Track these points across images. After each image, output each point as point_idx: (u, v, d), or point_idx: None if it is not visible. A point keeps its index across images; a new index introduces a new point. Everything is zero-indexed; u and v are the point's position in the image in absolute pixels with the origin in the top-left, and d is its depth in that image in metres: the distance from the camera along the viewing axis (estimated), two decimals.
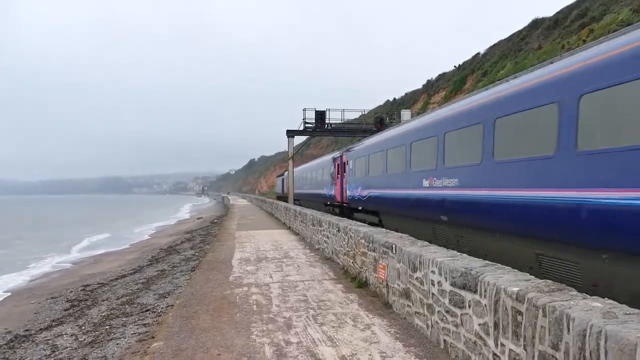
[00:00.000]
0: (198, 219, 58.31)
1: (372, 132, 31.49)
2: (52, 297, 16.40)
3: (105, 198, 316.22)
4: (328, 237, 14.53)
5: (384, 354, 6.01)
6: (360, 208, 22.30)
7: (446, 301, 5.99)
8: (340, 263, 12.64)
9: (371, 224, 17.41)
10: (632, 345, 3.00)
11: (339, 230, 12.93)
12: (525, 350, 4.21)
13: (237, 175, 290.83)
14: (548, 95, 8.47)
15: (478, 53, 61.91)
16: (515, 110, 9.44)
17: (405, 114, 38.36)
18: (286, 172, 70.18)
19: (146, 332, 8.70)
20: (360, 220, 18.70)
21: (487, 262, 6.03)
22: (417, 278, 7.04)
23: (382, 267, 8.81)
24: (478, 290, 5.17)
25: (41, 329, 11.79)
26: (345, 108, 37.91)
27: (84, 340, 9.64)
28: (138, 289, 14.67)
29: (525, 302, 4.22)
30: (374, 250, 9.42)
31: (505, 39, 55.89)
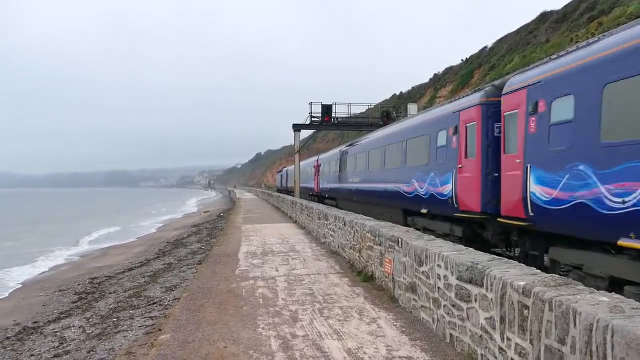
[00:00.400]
0: (204, 212, 58.46)
1: (378, 126, 31.42)
2: (60, 290, 16.51)
3: (111, 191, 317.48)
4: (334, 231, 14.54)
5: (390, 348, 6.02)
6: (326, 196, 34.50)
7: (452, 295, 5.99)
8: (346, 257, 12.66)
9: (331, 205, 27.65)
10: (639, 340, 2.99)
11: (344, 224, 12.94)
12: (532, 345, 4.21)
13: (244, 168, 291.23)
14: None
15: (485, 46, 61.58)
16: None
17: (412, 107, 38.23)
18: (284, 169, 77.54)
19: (153, 324, 8.75)
20: (329, 204, 30.04)
21: (493, 256, 6.02)
22: (423, 272, 7.04)
23: (388, 261, 8.82)
24: (484, 284, 5.17)
25: (49, 321, 11.88)
26: (351, 102, 37.87)
27: (92, 332, 9.71)
28: (145, 281, 14.75)
29: (532, 296, 4.21)
30: (380, 244, 9.42)
31: (513, 32, 55.54)
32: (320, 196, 36.81)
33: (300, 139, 38.47)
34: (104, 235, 39.89)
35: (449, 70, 68.91)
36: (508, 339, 4.65)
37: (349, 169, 26.91)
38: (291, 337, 6.50)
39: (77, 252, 29.43)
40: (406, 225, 15.40)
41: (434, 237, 8.39)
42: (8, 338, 10.88)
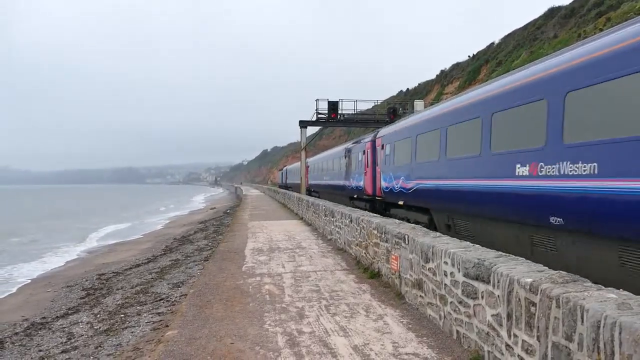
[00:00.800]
0: (211, 209, 58.66)
1: (385, 123, 31.36)
2: (68, 286, 16.62)
3: (118, 188, 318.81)
4: (340, 228, 14.54)
5: (396, 344, 6.02)
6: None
7: (459, 292, 5.98)
8: (353, 254, 12.66)
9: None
10: None
11: (351, 221, 12.94)
12: (539, 341, 4.20)
13: (250, 165, 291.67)
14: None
15: (493, 42, 61.34)
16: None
17: (419, 104, 38.16)
18: (285, 168, 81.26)
19: (160, 320, 8.80)
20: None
21: (500, 253, 6.01)
22: (429, 269, 7.03)
23: (394, 257, 8.81)
24: (491, 281, 5.16)
25: (57, 317, 11.97)
26: (358, 98, 37.77)
27: (100, 328, 9.77)
28: (152, 278, 14.82)
29: (539, 293, 4.20)
30: (386, 241, 9.41)
31: (520, 28, 55.29)
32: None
33: (307, 135, 38.45)
34: (111, 231, 40.10)
35: (456, 66, 68.71)
36: (515, 335, 4.64)
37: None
38: (298, 334, 6.51)
39: (84, 249, 29.60)
40: (352, 205, 23.94)
41: (440, 234, 8.37)
42: (17, 333, 10.97)
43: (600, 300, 3.62)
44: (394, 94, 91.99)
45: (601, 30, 29.86)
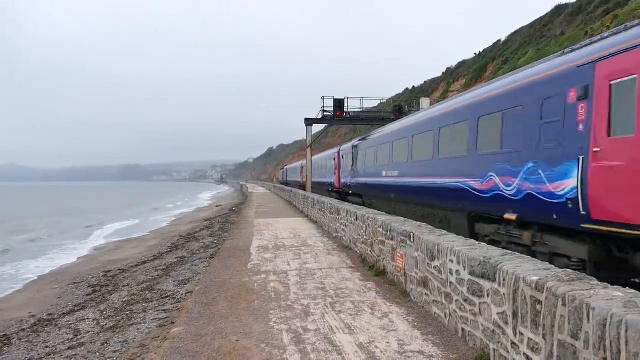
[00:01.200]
0: (217, 206, 58.73)
1: (390, 121, 31.31)
2: (74, 283, 16.70)
3: (124, 185, 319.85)
4: (346, 226, 14.54)
5: (402, 342, 6.02)
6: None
7: (464, 290, 5.98)
8: (358, 251, 12.65)
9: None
10: None
11: (356, 219, 12.93)
12: (545, 340, 4.19)
13: (256, 163, 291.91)
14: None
15: (499, 40, 61.07)
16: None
17: (425, 102, 38.04)
18: (285, 167, 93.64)
19: (166, 317, 8.82)
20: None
21: (506, 251, 5.99)
22: (435, 267, 7.03)
23: (400, 255, 8.81)
24: (497, 279, 5.15)
25: (64, 314, 12.03)
26: (363, 96, 37.67)
27: (106, 325, 9.81)
28: (158, 275, 14.87)
29: (545, 291, 4.19)
30: (392, 239, 9.41)
31: (526, 26, 55.00)
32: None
33: (313, 133, 38.42)
34: (118, 228, 40.23)
35: (462, 64, 68.44)
36: (521, 334, 4.63)
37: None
38: (303, 331, 6.52)
39: (91, 246, 29.72)
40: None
41: (445, 231, 8.35)
42: (23, 330, 11.04)
43: (607, 299, 3.61)
44: (400, 91, 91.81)
45: (608, 27, 29.69)
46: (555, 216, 8.79)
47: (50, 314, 12.24)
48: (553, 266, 4.94)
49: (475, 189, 11.90)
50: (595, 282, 4.17)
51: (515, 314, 4.74)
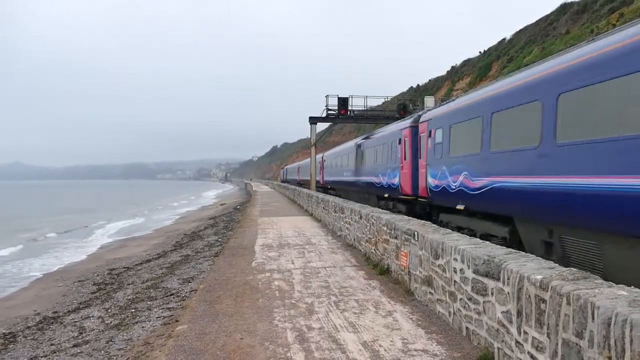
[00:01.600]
0: (221, 205, 58.80)
1: (395, 119, 31.27)
2: (79, 281, 16.75)
3: (129, 184, 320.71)
4: (350, 224, 14.54)
5: (406, 341, 6.02)
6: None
7: (468, 289, 5.97)
8: (362, 250, 12.66)
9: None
10: None
11: (361, 217, 12.93)
12: (549, 338, 4.18)
13: (260, 161, 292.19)
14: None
15: (504, 38, 60.92)
16: None
17: (429, 100, 37.99)
18: (286, 167, 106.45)
19: (171, 315, 8.84)
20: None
21: (510, 249, 5.98)
22: (439, 265, 7.02)
23: (404, 254, 8.80)
24: (501, 278, 5.14)
25: (69, 311, 12.07)
26: (368, 95, 37.65)
27: (111, 322, 9.84)
28: (162, 273, 14.89)
29: (549, 290, 4.18)
30: (396, 238, 9.40)
31: (532, 24, 54.85)
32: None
33: (317, 131, 38.42)
34: (122, 227, 40.34)
35: (467, 62, 68.31)
36: (525, 332, 4.63)
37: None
38: (307, 330, 6.52)
39: (95, 244, 29.82)
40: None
41: (450, 230, 8.35)
42: (29, 327, 11.08)
43: (611, 298, 3.60)
44: (404, 90, 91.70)
45: (614, 25, 29.57)
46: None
47: (55, 312, 12.29)
48: (557, 265, 4.93)
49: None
50: (600, 280, 4.17)
51: (519, 313, 4.74)
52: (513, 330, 4.86)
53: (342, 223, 15.96)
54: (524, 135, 9.97)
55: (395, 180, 20.05)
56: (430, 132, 15.94)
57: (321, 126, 40.05)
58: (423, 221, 9.89)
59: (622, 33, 7.49)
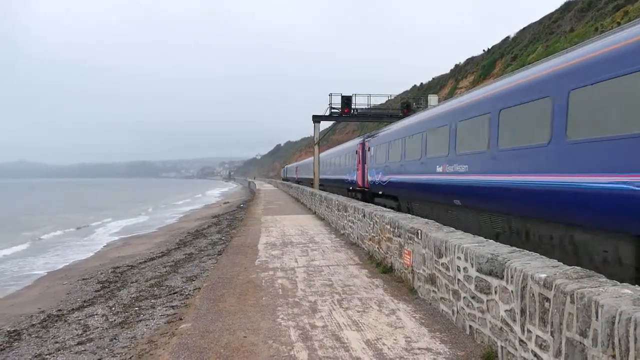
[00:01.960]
0: (224, 203, 58.89)
1: (398, 118, 31.26)
2: (83, 279, 16.80)
3: (133, 182, 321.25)
4: (353, 223, 14.54)
5: (409, 339, 6.01)
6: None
7: (472, 287, 5.96)
8: (366, 248, 12.65)
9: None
10: None
11: (364, 216, 12.93)
12: (553, 337, 4.17)
13: (264, 160, 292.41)
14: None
15: (508, 36, 60.76)
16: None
17: (433, 98, 37.94)
18: (286, 166, 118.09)
19: (174, 314, 8.87)
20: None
21: (514, 248, 5.97)
22: (442, 264, 7.01)
23: (407, 252, 8.80)
24: (505, 277, 5.13)
25: (73, 309, 12.11)
26: (371, 93, 37.62)
27: (114, 320, 9.87)
28: (166, 271, 14.94)
29: (553, 288, 4.17)
30: (399, 236, 9.40)
31: (536, 22, 54.70)
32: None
33: (320, 130, 38.42)
34: (126, 225, 40.45)
35: (470, 60, 68.17)
36: (529, 331, 4.62)
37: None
38: (310, 328, 6.52)
39: (99, 242, 29.91)
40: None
41: (453, 229, 8.34)
42: (33, 325, 11.13)
43: (615, 296, 3.59)
44: (408, 88, 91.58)
45: (619, 23, 29.46)
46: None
47: (59, 310, 12.34)
48: (561, 263, 4.92)
49: None
50: (603, 279, 4.15)
51: (523, 312, 4.73)
52: (517, 328, 4.86)
53: (345, 221, 15.96)
54: (394, 153, 20.65)
55: (355, 177, 29.23)
56: (369, 148, 25.65)
57: (325, 124, 40.03)
58: (426, 219, 9.88)
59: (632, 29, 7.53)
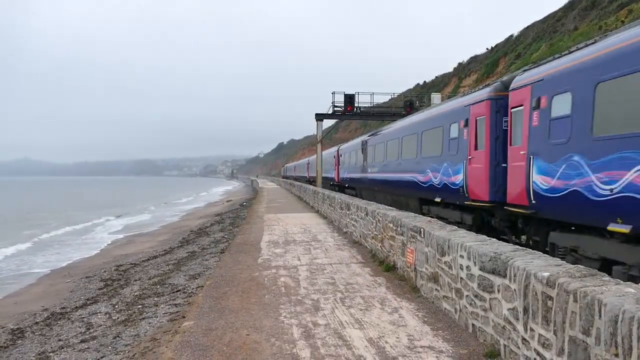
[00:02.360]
0: (227, 201, 58.91)
1: (401, 116, 31.23)
2: (86, 277, 16.83)
3: (136, 180, 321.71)
4: (356, 221, 14.54)
5: (412, 337, 6.02)
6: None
7: (475, 285, 5.96)
8: (368, 247, 12.65)
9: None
10: None
11: (367, 214, 12.92)
12: (555, 336, 4.17)
13: (266, 158, 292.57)
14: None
15: (511, 35, 60.59)
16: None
17: (436, 97, 37.91)
18: (285, 166, 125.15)
19: (177, 311, 8.88)
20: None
21: (516, 246, 5.96)
22: (445, 262, 7.01)
23: (410, 251, 8.79)
24: (507, 275, 5.13)
25: (76, 307, 12.14)
26: (374, 91, 37.62)
27: (118, 318, 9.89)
28: (169, 269, 14.95)
29: (556, 287, 4.16)
30: (402, 234, 9.39)
31: (539, 20, 54.51)
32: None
33: (323, 128, 38.41)
34: (129, 223, 40.50)
35: (474, 59, 67.99)
36: (531, 329, 4.61)
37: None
38: (313, 326, 6.53)
39: (102, 240, 29.95)
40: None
41: (456, 227, 8.33)
42: (37, 323, 11.16)
43: (619, 295, 3.58)
44: (411, 87, 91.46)
45: (623, 22, 29.37)
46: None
47: (63, 308, 12.36)
48: (564, 262, 4.91)
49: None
50: (607, 278, 4.15)
51: (526, 310, 4.72)
52: (519, 327, 4.85)
53: (348, 220, 15.96)
54: (351, 160, 33.79)
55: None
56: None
57: (327, 123, 40.01)
58: (429, 218, 9.88)
59: None
